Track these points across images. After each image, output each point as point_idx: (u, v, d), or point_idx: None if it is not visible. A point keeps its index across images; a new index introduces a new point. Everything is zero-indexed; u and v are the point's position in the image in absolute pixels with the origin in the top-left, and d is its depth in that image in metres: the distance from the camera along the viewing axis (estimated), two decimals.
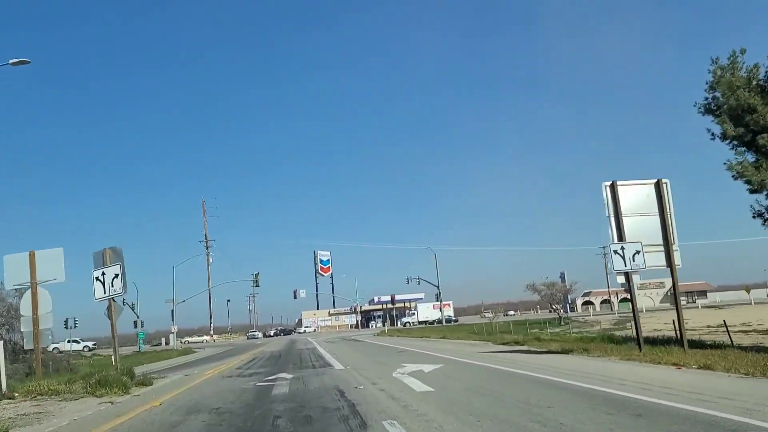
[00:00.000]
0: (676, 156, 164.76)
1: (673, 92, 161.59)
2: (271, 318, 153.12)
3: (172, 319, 54.19)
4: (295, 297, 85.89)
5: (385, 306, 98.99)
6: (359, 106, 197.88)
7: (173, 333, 54.39)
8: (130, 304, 78.17)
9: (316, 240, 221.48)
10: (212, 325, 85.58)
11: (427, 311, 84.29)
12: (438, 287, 63.86)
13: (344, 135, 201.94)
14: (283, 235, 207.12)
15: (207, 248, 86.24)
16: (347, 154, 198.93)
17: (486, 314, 66.06)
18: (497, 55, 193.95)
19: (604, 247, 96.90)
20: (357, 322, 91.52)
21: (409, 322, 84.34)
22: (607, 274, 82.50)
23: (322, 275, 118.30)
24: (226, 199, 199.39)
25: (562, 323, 52.55)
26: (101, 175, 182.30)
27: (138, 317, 78.97)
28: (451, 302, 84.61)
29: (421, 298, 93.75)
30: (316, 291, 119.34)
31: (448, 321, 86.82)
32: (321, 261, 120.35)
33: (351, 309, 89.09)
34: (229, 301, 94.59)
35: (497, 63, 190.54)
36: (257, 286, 54.49)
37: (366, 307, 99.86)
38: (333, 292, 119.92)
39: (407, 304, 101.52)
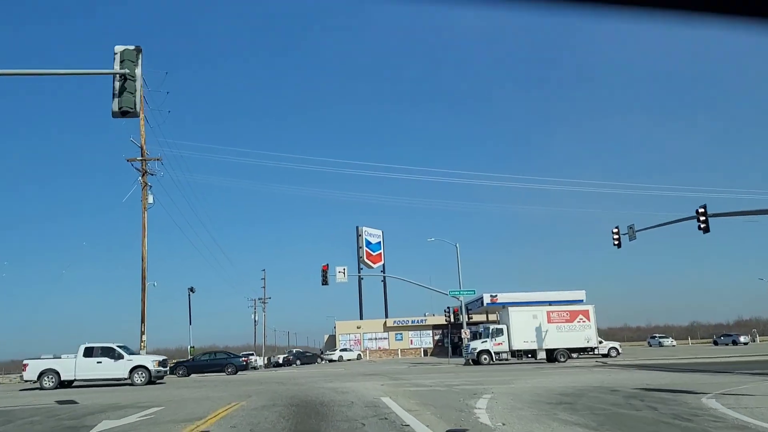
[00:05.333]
0: None
1: None
2: (290, 338, 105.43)
3: None
4: (324, 282, 39.53)
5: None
6: None
7: None
8: None
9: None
10: (144, 339, 39.23)
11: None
12: None
13: None
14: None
15: (143, 173, 40.70)
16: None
17: None
18: None
19: None
20: (460, 340, 43.29)
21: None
22: None
23: (370, 266, 71.44)
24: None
25: None
26: None
27: None
28: (591, 307, 37.02)
29: (582, 300, 45.57)
30: (359, 290, 72.42)
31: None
32: (367, 243, 73.71)
33: (446, 315, 41.37)
34: (192, 290, 47.90)
35: None
36: None
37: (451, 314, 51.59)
38: (386, 293, 73.04)
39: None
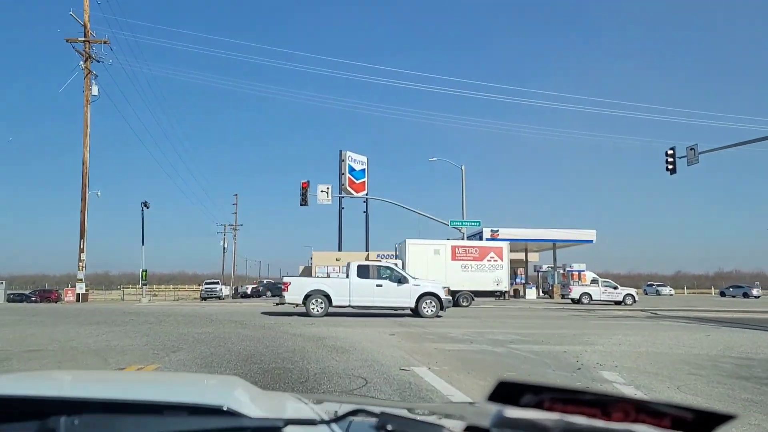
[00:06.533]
0: None
1: None
2: (261, 268, 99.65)
3: None
4: (304, 202, 33.88)
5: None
6: None
7: None
8: None
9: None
10: (84, 258, 33.11)
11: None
12: None
13: None
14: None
15: (86, 57, 33.43)
16: None
17: None
18: None
19: None
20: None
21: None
22: None
23: (352, 194, 65.25)
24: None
25: None
26: None
27: None
28: (505, 245, 31.27)
29: (591, 241, 40.40)
30: (339, 220, 66.71)
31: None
32: (350, 170, 67.38)
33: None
34: (146, 205, 40.57)
35: None
36: None
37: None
38: (367, 224, 67.32)
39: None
